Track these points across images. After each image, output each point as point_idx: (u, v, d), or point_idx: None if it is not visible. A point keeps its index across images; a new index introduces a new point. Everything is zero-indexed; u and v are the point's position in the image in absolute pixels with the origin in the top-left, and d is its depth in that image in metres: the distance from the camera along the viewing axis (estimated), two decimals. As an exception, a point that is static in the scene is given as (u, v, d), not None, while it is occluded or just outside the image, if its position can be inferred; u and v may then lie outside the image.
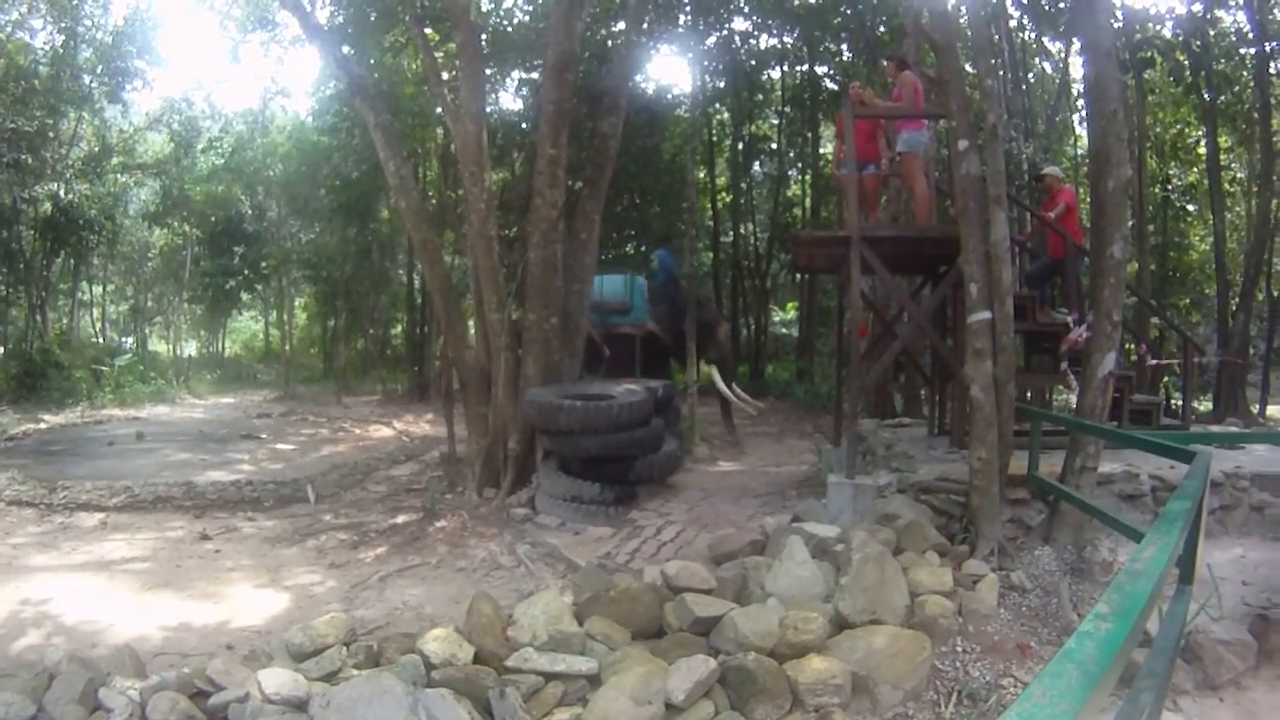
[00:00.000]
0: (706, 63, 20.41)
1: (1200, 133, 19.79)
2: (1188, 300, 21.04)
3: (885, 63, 9.43)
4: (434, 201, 20.30)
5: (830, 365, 14.01)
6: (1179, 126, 21.28)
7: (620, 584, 5.00)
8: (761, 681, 4.11)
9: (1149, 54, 17.26)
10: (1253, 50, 17.46)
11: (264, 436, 15.07)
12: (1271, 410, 19.62)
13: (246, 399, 22.54)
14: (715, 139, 25.22)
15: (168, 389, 22.63)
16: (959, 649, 4.90)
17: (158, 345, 33.71)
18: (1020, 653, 4.93)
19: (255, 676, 4.17)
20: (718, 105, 23.93)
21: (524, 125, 16.83)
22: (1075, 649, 1.51)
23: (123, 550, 8.18)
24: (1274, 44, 17.53)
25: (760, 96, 24.16)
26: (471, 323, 11.94)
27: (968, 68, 8.72)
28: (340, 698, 3.93)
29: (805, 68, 22.26)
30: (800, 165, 25.31)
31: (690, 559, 6.31)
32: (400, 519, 9.56)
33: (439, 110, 12.08)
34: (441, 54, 14.45)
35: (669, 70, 37.26)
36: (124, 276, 31.77)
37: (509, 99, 19.49)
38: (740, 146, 24.49)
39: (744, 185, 25.47)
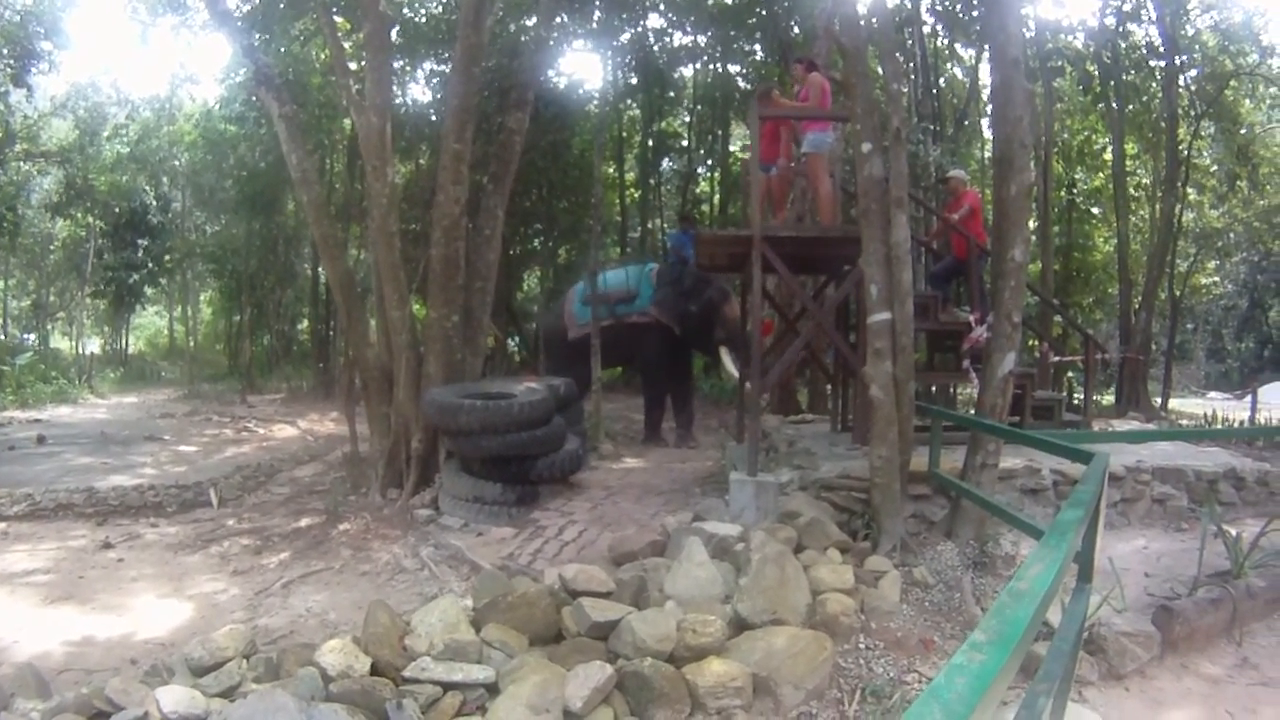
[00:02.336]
0: (619, 59, 20.37)
1: (1107, 139, 20.50)
2: (1091, 299, 21.82)
3: (795, 65, 9.50)
4: (341, 194, 19.93)
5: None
6: (1086, 133, 22.06)
7: (518, 589, 4.90)
8: (658, 687, 4.05)
9: (1059, 63, 17.81)
10: (1162, 63, 18.12)
11: (167, 438, 14.55)
12: (1173, 403, 20.43)
13: (150, 398, 21.74)
14: (625, 135, 25.36)
15: (70, 388, 21.67)
16: (862, 646, 4.91)
17: (60, 342, 32.46)
18: (924, 648, 4.96)
19: (153, 695, 4.09)
20: (629, 101, 24.00)
21: (433, 117, 16.59)
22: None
23: (24, 562, 7.92)
24: (1184, 58, 18.22)
25: (672, 94, 24.27)
26: (374, 320, 11.72)
27: (878, 69, 8.85)
28: (234, 716, 3.83)
29: (718, 66, 22.36)
30: (710, 162, 25.61)
31: (592, 560, 6.32)
32: (304, 522, 9.42)
33: (347, 101, 11.80)
34: (351, 44, 14.15)
35: (581, 65, 37.27)
36: (25, 270, 30.52)
37: (419, 90, 19.22)
38: (650, 143, 24.62)
39: (653, 181, 25.64)
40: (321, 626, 6.29)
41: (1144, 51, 18.76)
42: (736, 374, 12.47)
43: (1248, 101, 20.45)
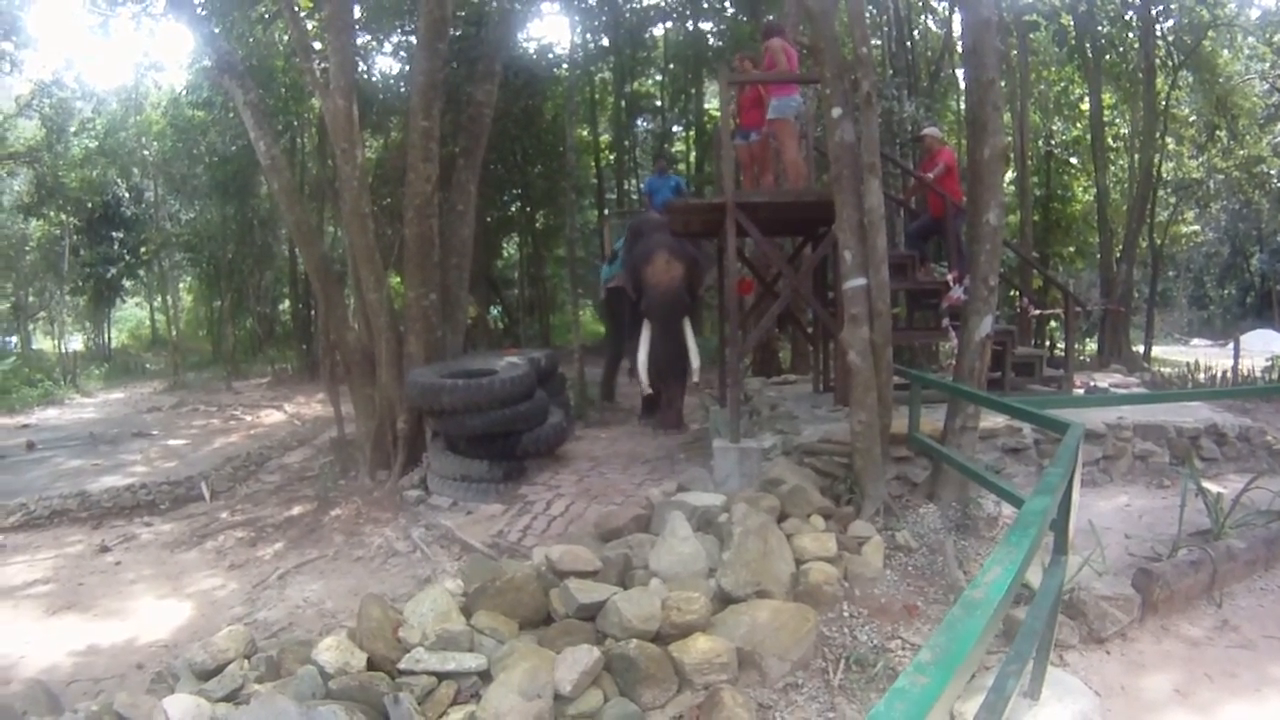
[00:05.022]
0: (588, 21, 20.18)
1: (1084, 90, 20.41)
2: (1072, 248, 21.83)
3: (761, 34, 9.44)
4: (314, 174, 19.78)
5: (717, 320, 12.94)
6: (1063, 84, 21.94)
7: (506, 573, 4.92)
8: (645, 668, 4.10)
9: (1034, 18, 17.68)
10: (1138, 15, 18.00)
11: (155, 433, 14.53)
12: (1156, 351, 20.56)
13: (136, 392, 21.58)
14: (598, 97, 25.12)
15: (56, 389, 21.44)
16: (846, 614, 4.95)
17: (43, 342, 32.14)
18: (908, 613, 5.00)
19: (161, 705, 4.12)
20: (600, 64, 23.74)
21: (403, 89, 16.40)
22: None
23: (24, 574, 7.99)
24: (1160, 8, 18.11)
25: (644, 54, 24.03)
26: (353, 302, 11.69)
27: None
28: (238, 722, 3.90)
29: (689, 25, 22.11)
30: (685, 122, 25.38)
31: (579, 535, 6.37)
32: (296, 510, 9.52)
33: (311, 84, 11.66)
34: (313, 24, 13.96)
35: (550, 29, 36.71)
36: (2, 273, 30.07)
37: (387, 63, 18.99)
38: (623, 104, 24.33)
39: (627, 143, 25.41)
40: (319, 616, 6.39)
41: (1120, 3, 18.62)
42: (641, 361, 10.34)
43: (1225, 52, 20.34)
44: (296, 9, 11.76)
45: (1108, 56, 19.07)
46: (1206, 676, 4.35)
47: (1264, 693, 4.22)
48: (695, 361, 10.32)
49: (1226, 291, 38.05)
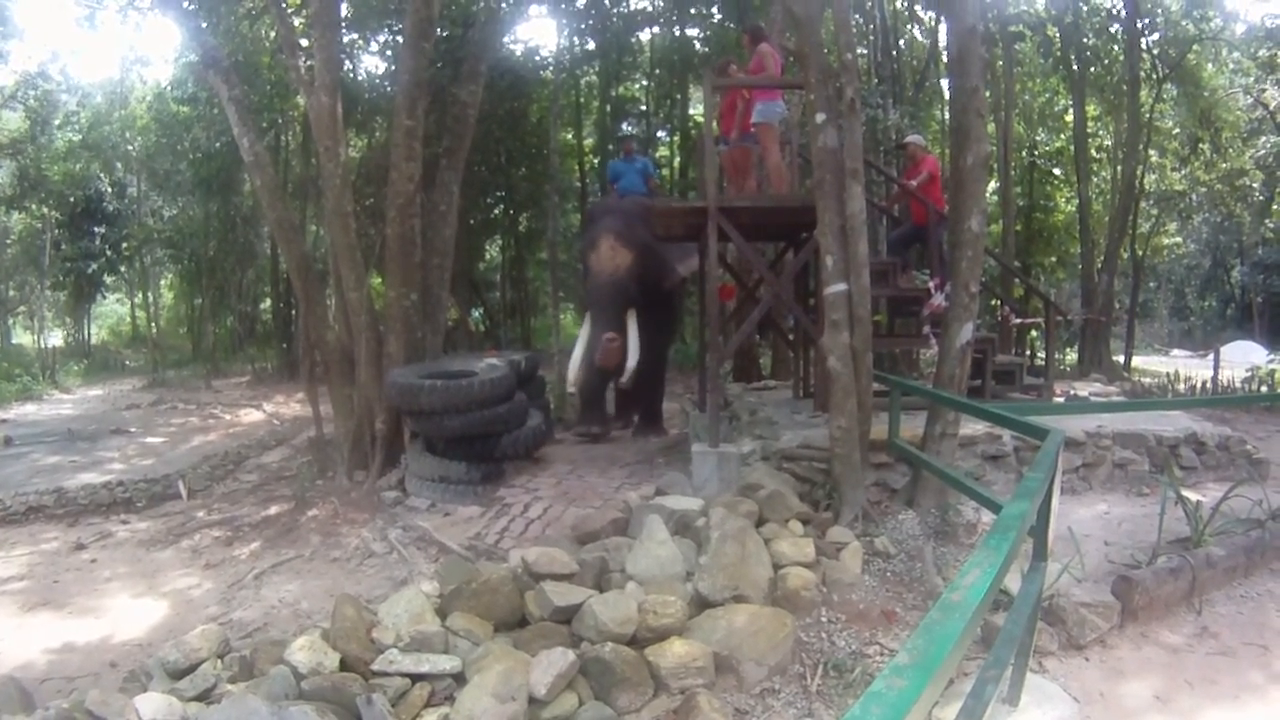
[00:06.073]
0: (575, 24, 20.15)
1: (1068, 102, 20.56)
2: (1054, 258, 21.96)
3: (744, 36, 9.45)
4: (297, 172, 19.69)
5: (698, 324, 12.94)
6: (1047, 95, 22.09)
7: (481, 575, 4.90)
8: (620, 671, 4.08)
9: (1019, 28, 17.80)
10: (1124, 28, 18.14)
11: (134, 430, 14.42)
12: (1136, 361, 20.70)
13: (115, 389, 21.40)
14: (583, 101, 25.08)
15: (35, 385, 21.24)
16: (824, 619, 4.94)
17: (22, 337, 31.89)
18: (886, 619, 4.99)
19: (133, 704, 4.08)
20: (586, 68, 23.72)
21: (388, 87, 16.36)
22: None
23: (-1, 570, 7.96)
24: (1146, 21, 18.25)
25: (629, 59, 23.97)
26: (334, 301, 11.63)
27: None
28: (208, 722, 3.87)
29: (676, 30, 22.09)
30: (670, 127, 25.37)
31: (556, 537, 6.38)
32: (273, 510, 9.47)
33: (296, 81, 11.61)
34: (300, 20, 13.88)
35: (537, 32, 36.66)
36: (-18, 267, 29.86)
37: (373, 62, 18.91)
38: (608, 108, 24.28)
39: (611, 147, 25.27)
40: (294, 617, 6.36)
41: (1105, 16, 18.76)
42: (574, 356, 9.97)
43: (1210, 66, 20.55)
44: (284, 5, 11.68)
45: (1092, 68, 19.22)
46: (1186, 683, 4.36)
47: (1243, 699, 4.22)
48: (631, 360, 9.58)
49: (1207, 303, 38.37)
